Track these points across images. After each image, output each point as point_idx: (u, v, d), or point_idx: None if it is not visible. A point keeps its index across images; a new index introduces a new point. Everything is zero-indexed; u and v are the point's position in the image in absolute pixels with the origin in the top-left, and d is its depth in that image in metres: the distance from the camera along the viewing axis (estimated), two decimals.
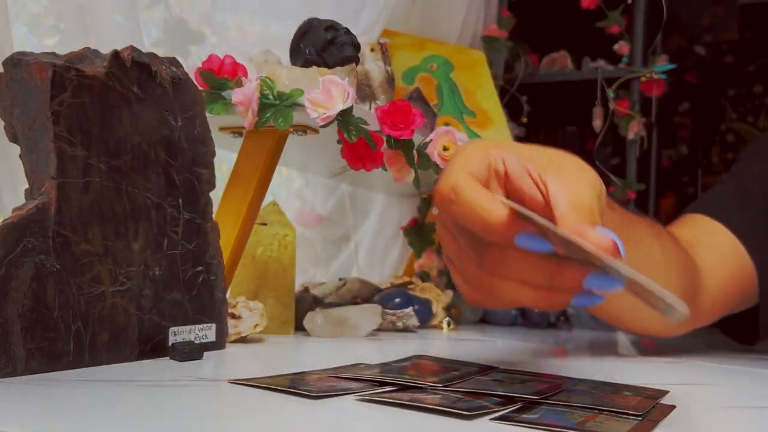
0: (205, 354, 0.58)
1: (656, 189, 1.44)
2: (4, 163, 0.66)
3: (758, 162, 0.83)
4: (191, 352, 0.55)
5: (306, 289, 0.89)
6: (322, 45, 0.78)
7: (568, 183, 0.44)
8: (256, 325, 0.68)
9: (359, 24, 0.99)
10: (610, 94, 1.28)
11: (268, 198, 0.82)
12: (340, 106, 0.67)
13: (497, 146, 0.47)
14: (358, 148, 0.75)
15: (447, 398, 0.42)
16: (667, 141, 1.97)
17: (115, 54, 0.52)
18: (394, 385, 0.46)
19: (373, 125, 0.75)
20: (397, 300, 0.90)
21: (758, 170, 0.82)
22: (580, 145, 1.85)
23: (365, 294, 0.95)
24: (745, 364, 0.71)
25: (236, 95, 0.68)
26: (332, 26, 0.79)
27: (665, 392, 0.50)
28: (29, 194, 0.48)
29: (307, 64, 0.78)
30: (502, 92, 1.38)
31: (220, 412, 0.39)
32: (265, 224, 0.79)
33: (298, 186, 1.23)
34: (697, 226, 0.79)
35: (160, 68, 0.56)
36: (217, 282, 0.61)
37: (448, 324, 0.97)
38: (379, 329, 0.87)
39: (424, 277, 1.10)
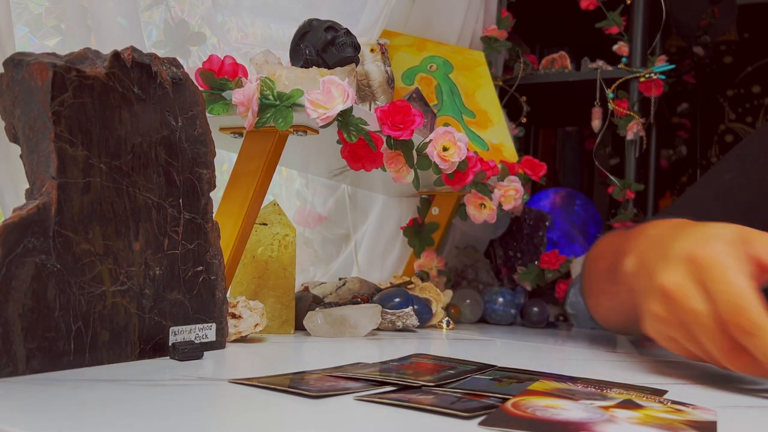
0: (206, 353, 0.58)
1: (655, 189, 1.45)
2: (5, 163, 0.66)
3: (730, 170, 0.85)
4: (191, 351, 0.55)
5: (306, 289, 0.89)
6: (322, 45, 0.79)
7: None
8: (256, 325, 0.68)
9: (359, 25, 0.99)
10: (609, 94, 1.28)
11: (269, 198, 0.83)
12: (340, 107, 0.67)
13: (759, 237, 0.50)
14: (358, 149, 0.75)
15: (446, 398, 0.43)
16: (666, 141, 1.97)
17: (116, 54, 0.53)
18: (393, 384, 0.47)
19: (373, 125, 0.75)
20: (397, 300, 0.91)
21: (729, 178, 0.84)
22: (579, 146, 1.86)
23: (365, 294, 0.95)
24: None
25: (236, 96, 0.68)
26: (332, 27, 0.80)
27: (664, 392, 0.50)
28: (30, 194, 0.48)
29: (307, 64, 0.78)
30: (502, 92, 1.38)
31: (220, 412, 0.39)
32: (265, 224, 0.79)
33: (298, 186, 1.23)
34: None
35: (160, 69, 0.56)
36: (217, 282, 0.61)
37: (448, 323, 0.97)
38: (379, 329, 0.87)
39: (424, 276, 1.10)
